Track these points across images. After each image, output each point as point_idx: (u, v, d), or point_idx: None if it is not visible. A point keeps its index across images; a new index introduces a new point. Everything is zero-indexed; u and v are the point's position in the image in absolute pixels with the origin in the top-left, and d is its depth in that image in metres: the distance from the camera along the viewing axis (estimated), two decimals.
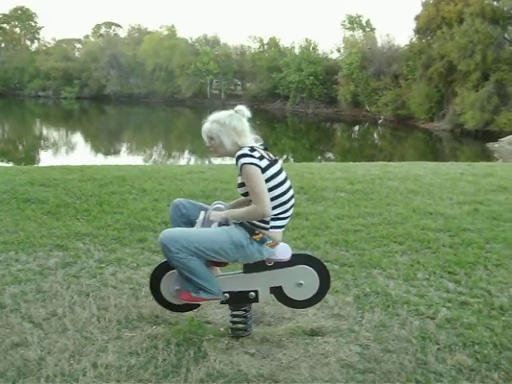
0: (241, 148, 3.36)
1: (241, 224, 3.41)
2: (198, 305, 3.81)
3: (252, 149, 3.34)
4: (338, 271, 4.86)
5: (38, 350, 3.39)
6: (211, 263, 3.57)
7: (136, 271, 4.79)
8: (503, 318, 4.01)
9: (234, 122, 3.42)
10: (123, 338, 3.58)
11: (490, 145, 31.69)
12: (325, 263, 3.78)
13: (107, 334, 3.62)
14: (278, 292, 3.68)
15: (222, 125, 3.42)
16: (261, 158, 3.32)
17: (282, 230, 3.54)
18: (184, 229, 3.53)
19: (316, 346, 3.58)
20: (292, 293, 3.67)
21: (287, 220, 3.52)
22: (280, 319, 3.97)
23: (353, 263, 5.10)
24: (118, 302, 4.10)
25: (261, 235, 3.40)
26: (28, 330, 3.65)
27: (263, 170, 3.30)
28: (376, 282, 4.66)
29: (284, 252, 3.60)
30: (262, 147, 3.48)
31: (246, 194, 3.42)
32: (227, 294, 3.59)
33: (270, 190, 3.33)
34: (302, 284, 3.64)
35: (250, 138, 3.46)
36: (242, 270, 3.65)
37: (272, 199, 3.34)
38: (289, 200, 3.46)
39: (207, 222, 3.52)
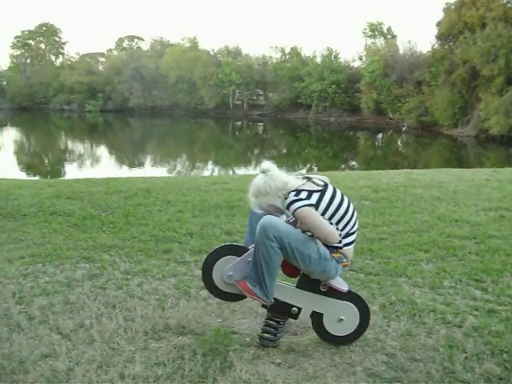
0: (287, 195, 3.46)
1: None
2: (241, 298, 3.80)
3: (297, 192, 3.44)
4: (363, 280, 4.84)
5: (66, 360, 3.43)
6: (286, 269, 3.70)
7: (162, 282, 4.82)
8: None
9: (273, 184, 3.51)
10: (150, 349, 3.61)
11: None
12: (370, 311, 3.81)
13: (134, 345, 3.65)
14: (316, 319, 3.71)
15: (266, 194, 3.53)
16: (309, 195, 3.42)
17: (354, 245, 3.64)
18: (284, 223, 3.59)
19: (342, 356, 3.57)
20: (329, 324, 3.70)
21: (355, 234, 3.63)
22: (306, 329, 3.97)
23: (378, 272, 5.08)
24: (144, 312, 4.14)
25: (339, 254, 3.53)
26: (56, 341, 3.69)
27: (317, 205, 3.41)
28: (402, 290, 4.63)
29: (342, 284, 3.71)
30: (305, 180, 3.55)
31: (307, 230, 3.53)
32: (273, 300, 3.62)
33: (333, 215, 3.45)
34: (342, 320, 3.68)
35: (292, 181, 3.54)
36: (294, 284, 3.71)
37: (337, 222, 3.48)
38: (352, 216, 3.56)
39: (292, 224, 3.63)
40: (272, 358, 3.52)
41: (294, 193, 3.43)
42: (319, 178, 3.62)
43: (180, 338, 3.76)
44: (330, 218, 3.46)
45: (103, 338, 3.74)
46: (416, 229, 6.45)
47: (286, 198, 3.46)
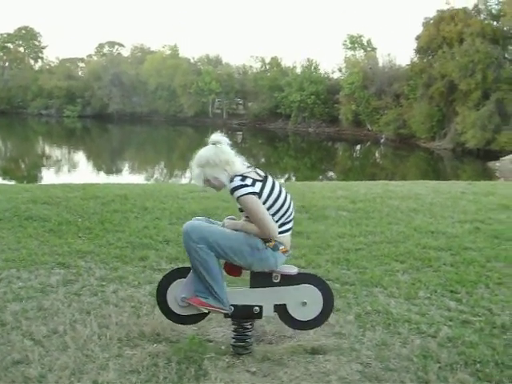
0: (232, 178, 3.43)
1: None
2: (203, 317, 3.80)
3: (243, 177, 3.43)
4: (339, 290, 4.85)
5: (38, 367, 3.38)
6: (227, 269, 3.67)
7: (137, 289, 4.79)
8: (505, 337, 4.00)
9: (222, 157, 3.47)
10: (124, 356, 3.58)
11: (491, 164, 31.77)
12: (329, 285, 3.81)
13: (108, 352, 3.62)
14: (281, 311, 3.70)
15: (214, 166, 3.47)
16: (253, 183, 3.43)
17: (290, 232, 3.66)
18: (207, 224, 3.61)
19: (317, 365, 3.57)
20: (295, 312, 3.69)
21: (292, 222, 3.66)
22: (281, 338, 3.97)
23: (354, 282, 5.09)
24: (119, 319, 4.10)
25: (274, 242, 3.51)
26: (29, 347, 3.64)
27: (260, 194, 3.42)
28: (377, 300, 4.65)
29: (291, 268, 3.72)
30: (250, 169, 3.56)
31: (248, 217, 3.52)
32: (232, 307, 3.61)
33: (272, 205, 3.47)
34: (305, 303, 3.66)
35: (239, 163, 3.53)
36: (247, 286, 3.70)
37: (275, 213, 3.49)
38: (289, 206, 3.60)
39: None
40: (247, 367, 3.51)
41: (239, 177, 3.42)
42: (260, 169, 3.64)
43: (155, 345, 3.74)
44: (269, 209, 3.47)
45: (77, 344, 3.70)
46: (392, 239, 6.49)
47: (231, 181, 3.44)
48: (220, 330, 4.06)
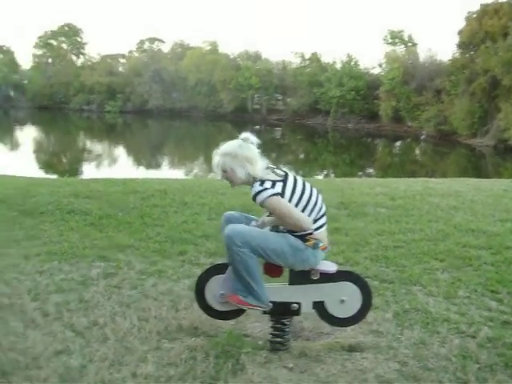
0: (253, 182, 3.46)
1: (292, 233, 3.52)
2: (241, 313, 3.82)
3: (261, 181, 3.44)
4: (377, 287, 4.82)
5: (79, 358, 3.46)
6: (267, 270, 3.68)
7: (176, 283, 4.85)
8: None
9: (245, 153, 3.49)
10: (163, 349, 3.63)
11: None
12: (368, 283, 3.80)
13: (147, 345, 3.67)
14: (320, 308, 3.70)
15: (235, 157, 3.48)
16: (273, 184, 3.43)
17: (325, 227, 3.65)
18: (249, 227, 3.62)
19: (354, 362, 3.56)
20: (333, 309, 3.69)
21: (325, 217, 3.64)
22: (318, 334, 3.97)
23: (393, 279, 5.06)
24: (158, 313, 4.16)
25: (313, 241, 3.50)
26: (70, 338, 3.73)
27: (282, 194, 3.42)
28: (416, 298, 4.61)
29: (330, 265, 3.71)
30: (269, 169, 3.55)
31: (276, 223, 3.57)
32: (270, 304, 3.63)
33: (297, 203, 3.46)
34: (344, 301, 3.66)
35: (261, 165, 3.52)
36: (286, 282, 3.70)
37: (303, 210, 3.48)
38: (317, 200, 3.58)
39: (260, 227, 3.65)
40: (284, 363, 3.52)
41: (258, 183, 3.43)
42: (279, 168, 3.64)
43: (193, 339, 3.78)
44: (296, 206, 3.46)
45: (117, 336, 3.77)
46: (432, 237, 6.42)
47: (252, 186, 3.45)
48: (258, 325, 4.08)
